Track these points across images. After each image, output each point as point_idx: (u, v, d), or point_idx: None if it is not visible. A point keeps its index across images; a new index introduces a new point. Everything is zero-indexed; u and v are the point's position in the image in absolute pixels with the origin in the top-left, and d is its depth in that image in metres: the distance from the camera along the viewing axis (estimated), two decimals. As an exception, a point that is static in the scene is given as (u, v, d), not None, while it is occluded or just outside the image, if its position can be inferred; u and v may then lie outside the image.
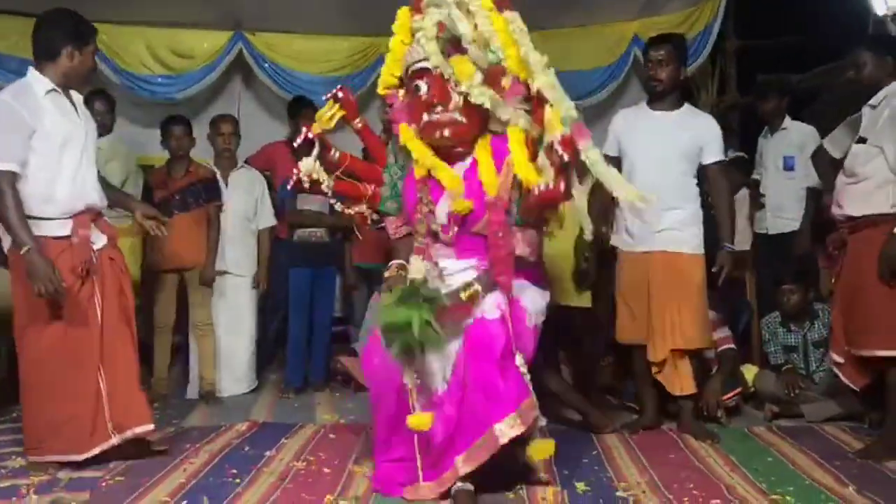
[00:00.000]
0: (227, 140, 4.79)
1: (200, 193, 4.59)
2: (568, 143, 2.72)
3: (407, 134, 2.98)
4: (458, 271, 2.91)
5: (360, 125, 3.33)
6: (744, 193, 5.21)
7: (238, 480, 3.07)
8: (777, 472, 3.22)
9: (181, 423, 4.05)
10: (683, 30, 5.47)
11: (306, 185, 3.19)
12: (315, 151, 3.19)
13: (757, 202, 5.04)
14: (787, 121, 4.92)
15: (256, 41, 5.78)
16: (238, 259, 4.80)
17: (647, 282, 3.73)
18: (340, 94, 3.25)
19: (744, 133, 6.20)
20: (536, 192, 2.74)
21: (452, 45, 2.92)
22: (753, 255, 5.14)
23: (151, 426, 3.32)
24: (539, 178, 2.77)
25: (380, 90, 3.16)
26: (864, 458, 3.36)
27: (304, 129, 3.21)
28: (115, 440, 3.23)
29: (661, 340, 3.70)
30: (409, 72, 2.94)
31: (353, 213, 3.29)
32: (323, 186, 3.20)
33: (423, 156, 2.92)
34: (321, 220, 4.85)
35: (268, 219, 4.92)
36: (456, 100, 2.85)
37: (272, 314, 5.24)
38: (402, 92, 3.06)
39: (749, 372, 4.41)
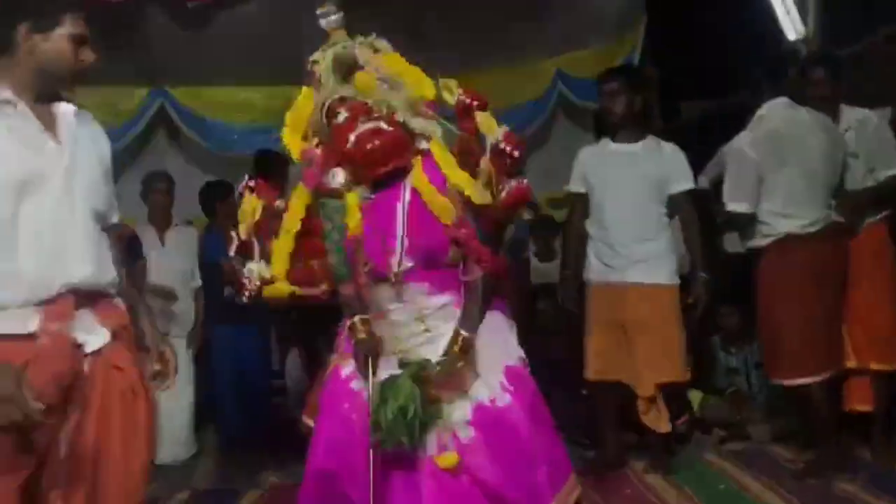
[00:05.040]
0: (163, 198, 4.65)
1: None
2: (511, 137, 2.50)
3: (303, 196, 2.70)
4: (437, 308, 2.59)
5: (283, 206, 2.90)
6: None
7: (181, 557, 2.92)
8: (730, 500, 3.22)
9: (118, 497, 3.86)
10: (605, 64, 5.57)
11: (255, 291, 2.78)
12: (257, 253, 2.82)
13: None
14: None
15: (178, 94, 5.68)
16: (176, 319, 4.64)
17: (622, 316, 3.65)
18: (252, 184, 2.87)
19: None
20: (505, 194, 2.48)
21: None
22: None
23: None
24: (475, 186, 2.49)
25: (295, 157, 2.76)
26: (806, 478, 3.40)
27: (233, 236, 2.84)
28: None
29: (649, 374, 3.58)
30: (323, 116, 2.67)
31: (317, 293, 2.87)
32: (278, 285, 2.77)
33: (351, 204, 2.65)
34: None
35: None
36: (379, 111, 2.59)
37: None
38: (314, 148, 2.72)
39: (694, 397, 4.43)
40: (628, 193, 3.65)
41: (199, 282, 4.74)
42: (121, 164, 5.57)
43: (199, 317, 4.73)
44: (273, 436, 4.87)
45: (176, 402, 4.57)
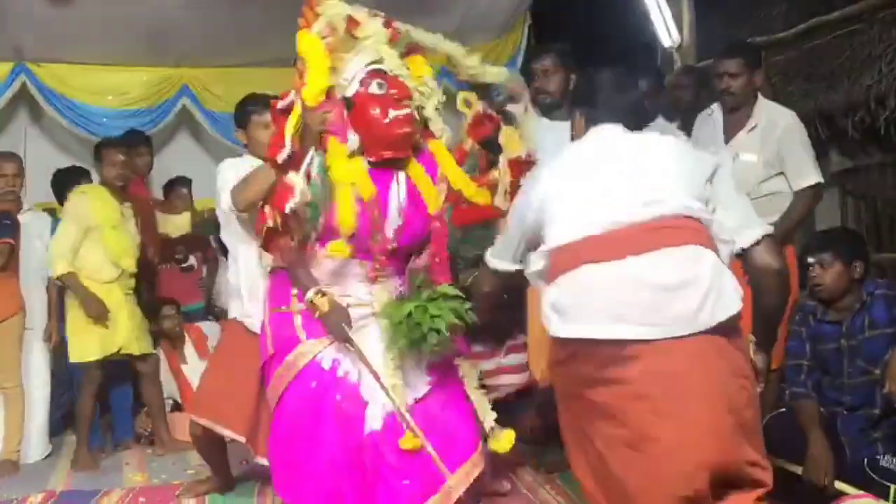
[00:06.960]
0: (10, 182, 4.34)
1: None
2: (514, 164, 2.78)
3: (338, 149, 2.63)
4: (397, 289, 2.80)
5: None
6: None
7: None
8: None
9: (-35, 500, 3.57)
10: (490, 60, 5.58)
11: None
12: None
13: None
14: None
15: (42, 73, 5.32)
16: (32, 310, 4.33)
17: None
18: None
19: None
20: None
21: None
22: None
23: None
24: (474, 189, 2.76)
25: (310, 103, 2.61)
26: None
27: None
28: None
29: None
30: (359, 77, 2.69)
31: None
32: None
33: (358, 172, 2.65)
34: None
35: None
36: (415, 97, 2.76)
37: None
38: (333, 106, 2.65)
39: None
40: None
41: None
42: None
43: (52, 308, 4.42)
44: (137, 435, 4.63)
45: (30, 399, 4.29)
